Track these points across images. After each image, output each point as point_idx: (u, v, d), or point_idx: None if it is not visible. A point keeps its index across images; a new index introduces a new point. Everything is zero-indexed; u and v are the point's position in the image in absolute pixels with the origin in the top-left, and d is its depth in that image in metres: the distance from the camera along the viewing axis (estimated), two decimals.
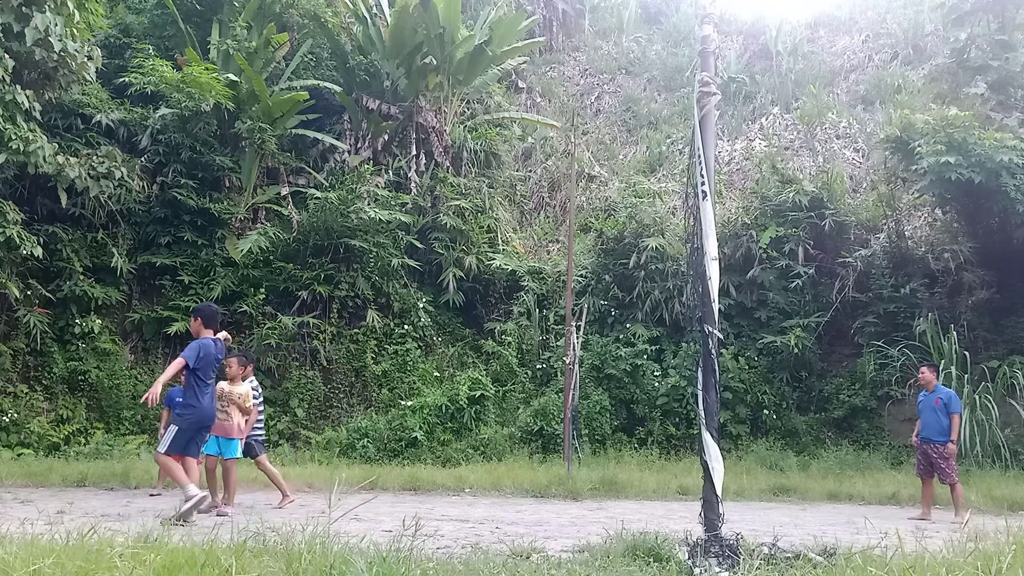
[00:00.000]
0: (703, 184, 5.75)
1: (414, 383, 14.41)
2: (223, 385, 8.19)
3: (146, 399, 7.24)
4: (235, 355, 8.67)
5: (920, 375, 9.81)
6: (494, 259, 16.47)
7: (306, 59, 17.72)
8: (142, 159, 14.34)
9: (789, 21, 23.37)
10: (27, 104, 10.81)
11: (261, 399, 8.98)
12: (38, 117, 11.43)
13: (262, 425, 9.01)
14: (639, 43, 24.82)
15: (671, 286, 14.99)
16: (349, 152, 17.14)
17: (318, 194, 14.96)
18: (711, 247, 5.71)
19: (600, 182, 19.57)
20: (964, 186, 12.49)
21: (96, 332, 13.20)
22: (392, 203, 15.41)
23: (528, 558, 5.07)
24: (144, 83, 14.30)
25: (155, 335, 14.07)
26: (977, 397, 12.43)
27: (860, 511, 9.00)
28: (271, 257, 14.88)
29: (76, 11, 11.40)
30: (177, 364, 7.52)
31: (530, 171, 20.12)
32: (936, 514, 9.26)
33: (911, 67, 20.12)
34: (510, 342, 15.29)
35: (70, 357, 13.02)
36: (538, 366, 15.21)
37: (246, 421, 8.25)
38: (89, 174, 12.54)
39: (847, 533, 6.55)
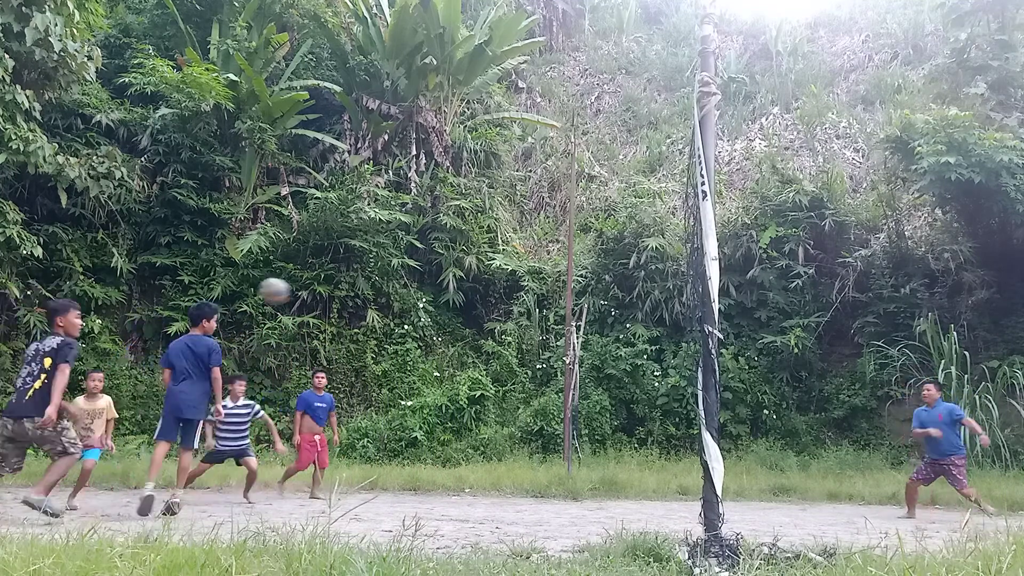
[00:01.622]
0: (703, 184, 5.74)
1: (414, 383, 14.40)
2: (80, 400, 8.35)
3: (215, 416, 7.95)
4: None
5: (925, 392, 9.46)
6: (494, 259, 16.47)
7: (306, 59, 17.72)
8: (142, 159, 14.35)
9: (789, 21, 23.42)
10: (27, 104, 10.81)
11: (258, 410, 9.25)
12: (38, 117, 11.43)
13: (243, 434, 8.96)
14: (639, 43, 24.85)
15: (671, 286, 15.00)
16: (349, 152, 17.14)
17: (318, 194, 14.96)
18: (711, 247, 5.70)
19: (600, 182, 19.58)
20: (964, 186, 12.49)
21: (96, 332, 13.17)
22: (392, 203, 15.42)
23: (528, 558, 5.06)
24: (144, 83, 14.31)
25: (155, 335, 14.06)
26: (977, 397, 12.43)
27: (860, 511, 9.00)
28: (271, 257, 14.87)
29: (76, 11, 11.40)
30: (168, 373, 7.61)
31: (530, 171, 20.13)
32: (936, 514, 9.25)
33: (911, 67, 20.13)
34: (510, 342, 15.29)
35: None
36: (538, 366, 15.21)
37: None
38: (89, 174, 12.55)
39: (847, 533, 6.54)
